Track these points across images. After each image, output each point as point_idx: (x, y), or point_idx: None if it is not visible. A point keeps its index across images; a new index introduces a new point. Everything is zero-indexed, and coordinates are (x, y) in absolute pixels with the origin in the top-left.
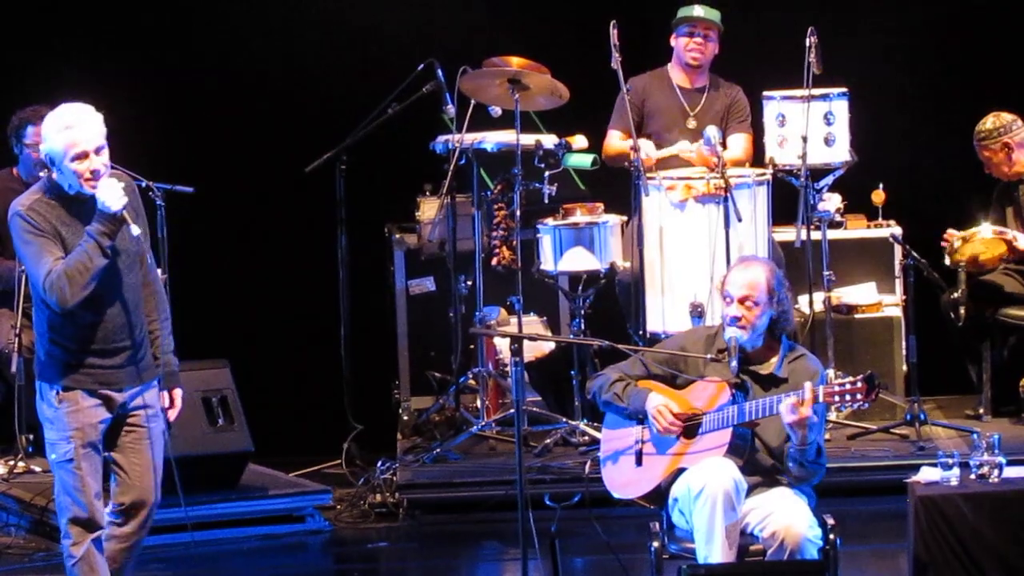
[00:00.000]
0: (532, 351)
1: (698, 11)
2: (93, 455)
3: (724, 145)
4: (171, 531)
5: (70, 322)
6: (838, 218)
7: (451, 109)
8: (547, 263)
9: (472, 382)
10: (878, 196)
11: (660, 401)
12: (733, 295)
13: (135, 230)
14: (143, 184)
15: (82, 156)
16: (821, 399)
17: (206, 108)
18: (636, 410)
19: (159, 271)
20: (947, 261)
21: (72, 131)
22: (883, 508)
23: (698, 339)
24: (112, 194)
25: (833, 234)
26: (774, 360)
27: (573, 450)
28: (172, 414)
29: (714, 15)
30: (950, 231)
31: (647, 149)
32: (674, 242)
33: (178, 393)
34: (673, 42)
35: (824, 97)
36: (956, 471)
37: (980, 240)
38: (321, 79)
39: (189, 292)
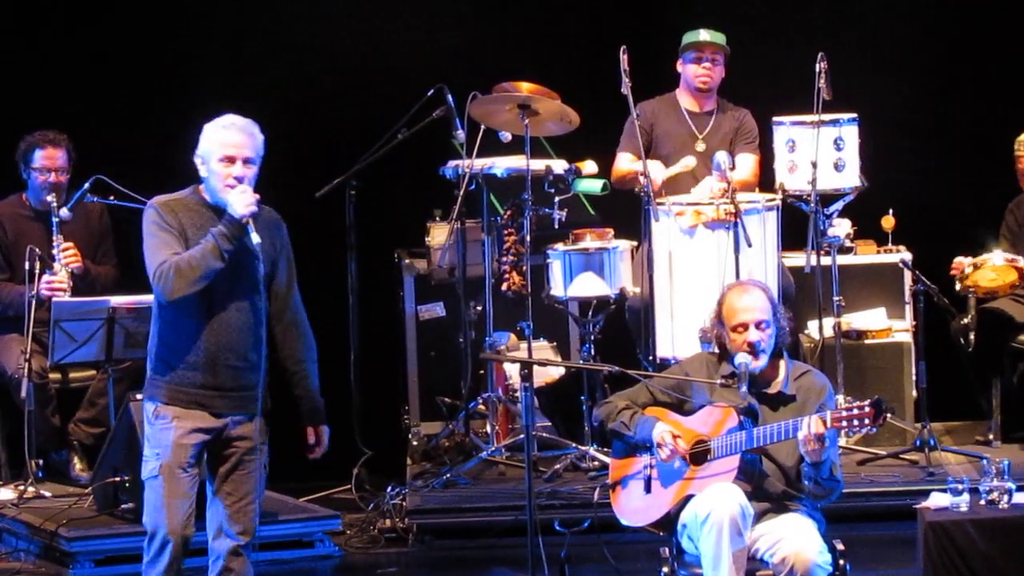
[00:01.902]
0: (542, 376)
1: (704, 36)
2: (181, 476)
3: (732, 167)
4: None
5: (178, 333)
6: (848, 243)
7: (461, 134)
8: (557, 288)
9: (482, 407)
10: (888, 222)
11: (666, 428)
12: (748, 321)
13: (255, 238)
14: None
15: (230, 159)
16: (829, 425)
17: None
18: (643, 438)
19: None
20: (957, 287)
21: (228, 132)
22: (893, 534)
23: (700, 366)
24: (240, 199)
25: (843, 259)
26: (780, 378)
27: (583, 475)
28: (318, 452)
29: (719, 38)
30: (959, 259)
31: (655, 171)
32: (684, 268)
33: (323, 430)
34: (680, 68)
35: (834, 122)
36: (966, 497)
37: (991, 267)
38: (331, 104)
39: None
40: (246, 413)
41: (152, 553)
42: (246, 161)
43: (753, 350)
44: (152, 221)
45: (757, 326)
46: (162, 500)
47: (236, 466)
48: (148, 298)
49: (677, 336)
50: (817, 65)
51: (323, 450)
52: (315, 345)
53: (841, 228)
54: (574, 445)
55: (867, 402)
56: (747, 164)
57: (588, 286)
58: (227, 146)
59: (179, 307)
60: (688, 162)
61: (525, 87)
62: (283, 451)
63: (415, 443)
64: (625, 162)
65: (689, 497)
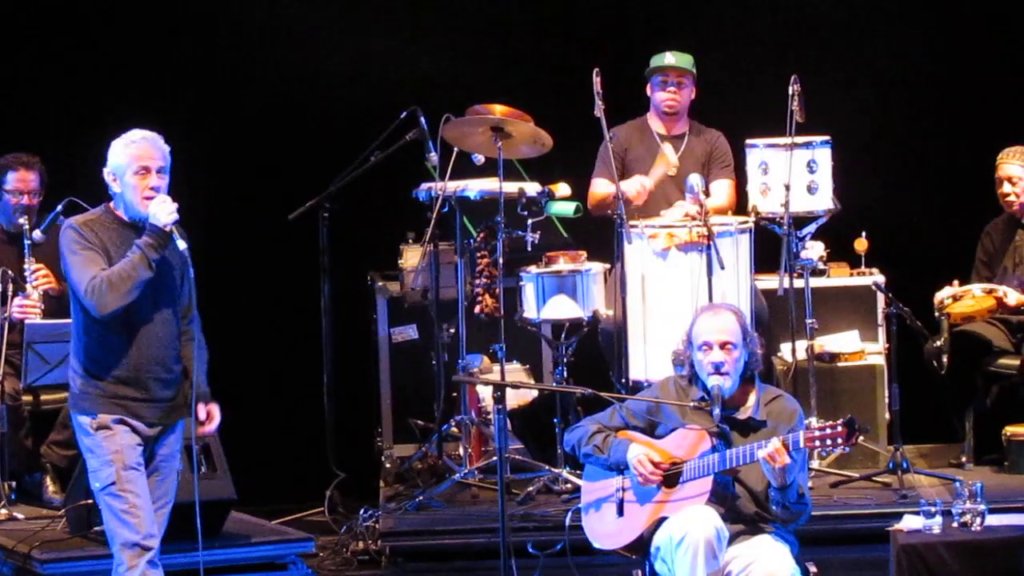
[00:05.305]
0: (515, 399)
1: (669, 59)
2: (137, 476)
3: (707, 193)
4: None
5: (106, 349)
6: (821, 266)
7: (434, 157)
8: (530, 311)
9: (455, 430)
10: (861, 244)
11: (641, 451)
12: (712, 341)
13: (181, 244)
14: None
15: (144, 171)
16: (802, 445)
17: (187, 156)
18: (617, 461)
19: None
20: (937, 315)
21: (139, 145)
22: (865, 556)
23: (670, 389)
24: (162, 209)
25: (816, 282)
26: (751, 404)
27: (556, 498)
28: (211, 427)
29: (686, 61)
30: (939, 294)
31: (640, 181)
32: (657, 290)
33: (215, 407)
34: (648, 92)
35: (807, 145)
36: (938, 519)
37: (971, 296)
38: (304, 127)
39: None
40: (169, 422)
41: (128, 561)
42: (159, 171)
43: (716, 370)
44: (74, 240)
45: (722, 347)
46: (127, 504)
47: (153, 472)
48: (66, 322)
49: (650, 359)
50: (790, 88)
51: (213, 425)
52: (206, 350)
53: (814, 251)
54: (547, 468)
55: (840, 421)
56: (723, 190)
57: (561, 308)
58: (141, 159)
59: (106, 323)
60: (668, 157)
61: (498, 109)
62: (255, 475)
63: (388, 465)
64: (602, 187)
65: (662, 520)
